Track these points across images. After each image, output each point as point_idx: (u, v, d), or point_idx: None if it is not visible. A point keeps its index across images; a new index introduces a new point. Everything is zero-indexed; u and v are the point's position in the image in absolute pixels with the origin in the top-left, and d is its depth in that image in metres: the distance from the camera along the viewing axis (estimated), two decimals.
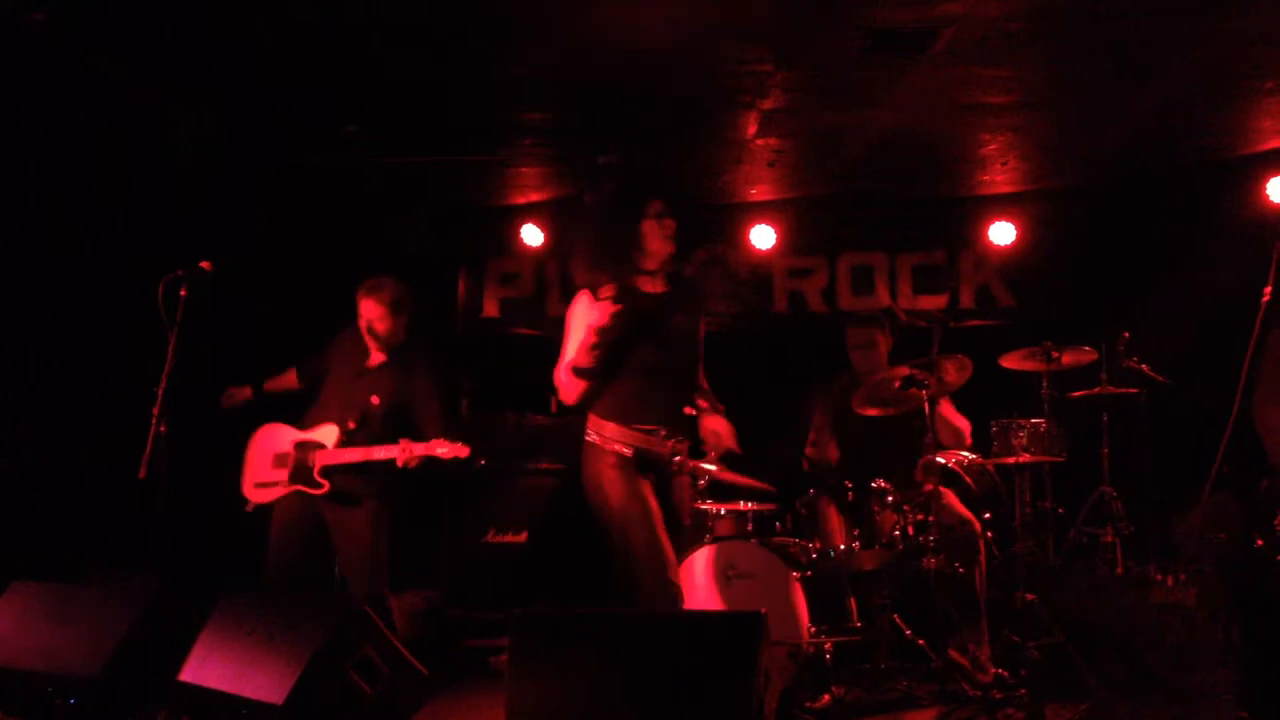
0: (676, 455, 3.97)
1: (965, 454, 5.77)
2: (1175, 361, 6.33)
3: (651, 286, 4.00)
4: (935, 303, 7.58)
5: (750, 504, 5.36)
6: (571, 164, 6.59)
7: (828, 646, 4.74)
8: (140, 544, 4.42)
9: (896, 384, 5.01)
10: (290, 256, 6.64)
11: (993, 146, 6.43)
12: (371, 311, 4.92)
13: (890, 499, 4.95)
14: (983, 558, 5.01)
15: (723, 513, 5.34)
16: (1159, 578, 5.62)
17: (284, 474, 4.86)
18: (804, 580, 4.93)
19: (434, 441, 4.73)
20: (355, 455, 4.78)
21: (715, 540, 5.11)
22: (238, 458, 4.99)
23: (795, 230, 7.49)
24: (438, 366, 5.07)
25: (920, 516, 4.85)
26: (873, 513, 4.93)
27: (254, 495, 4.92)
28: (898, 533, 4.88)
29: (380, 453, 4.75)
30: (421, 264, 7.47)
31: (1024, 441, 5.67)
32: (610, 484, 3.85)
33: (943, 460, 5.38)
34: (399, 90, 5.42)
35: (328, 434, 4.86)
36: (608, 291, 3.76)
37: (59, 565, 4.98)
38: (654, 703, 3.18)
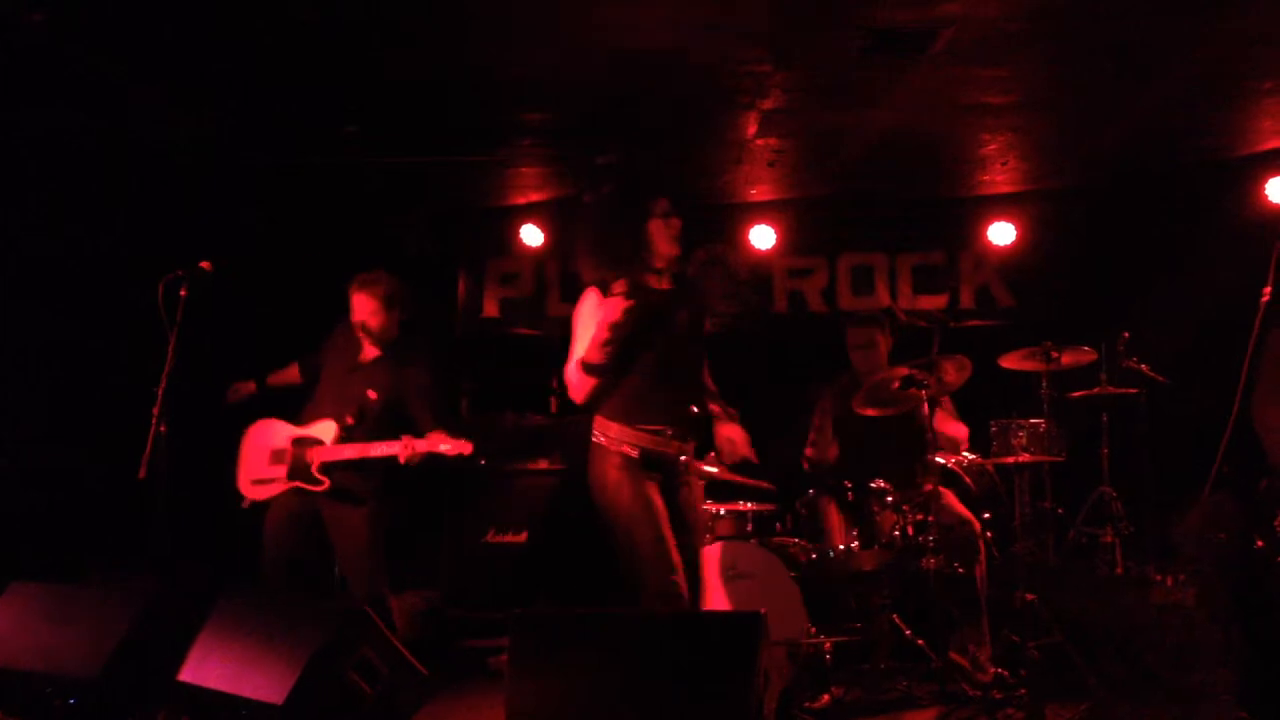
0: (683, 456, 3.95)
1: (965, 454, 5.78)
2: (1175, 362, 6.33)
3: (658, 285, 3.98)
4: (935, 303, 7.58)
5: (750, 504, 5.37)
6: (571, 164, 6.59)
7: (827, 646, 4.74)
8: (140, 544, 4.41)
9: (896, 384, 5.01)
10: (290, 256, 6.64)
11: (992, 147, 6.44)
12: (365, 306, 4.90)
13: (890, 499, 4.95)
14: (983, 558, 5.01)
15: (723, 513, 5.34)
16: (1158, 578, 5.63)
17: (282, 471, 4.83)
18: (804, 580, 4.93)
19: (437, 438, 4.70)
20: (355, 451, 4.76)
21: (715, 540, 5.12)
22: (235, 456, 4.97)
23: (795, 230, 7.49)
24: (432, 361, 5.03)
25: (920, 516, 4.85)
26: (872, 513, 4.93)
27: (251, 492, 4.88)
28: (897, 533, 4.88)
29: (382, 449, 4.72)
30: (421, 264, 7.47)
31: (1023, 441, 5.67)
32: (616, 485, 3.83)
33: (942, 460, 5.38)
34: (399, 90, 5.42)
35: (325, 430, 4.83)
36: (621, 287, 3.73)
37: (59, 565, 4.98)
38: (654, 703, 3.18)
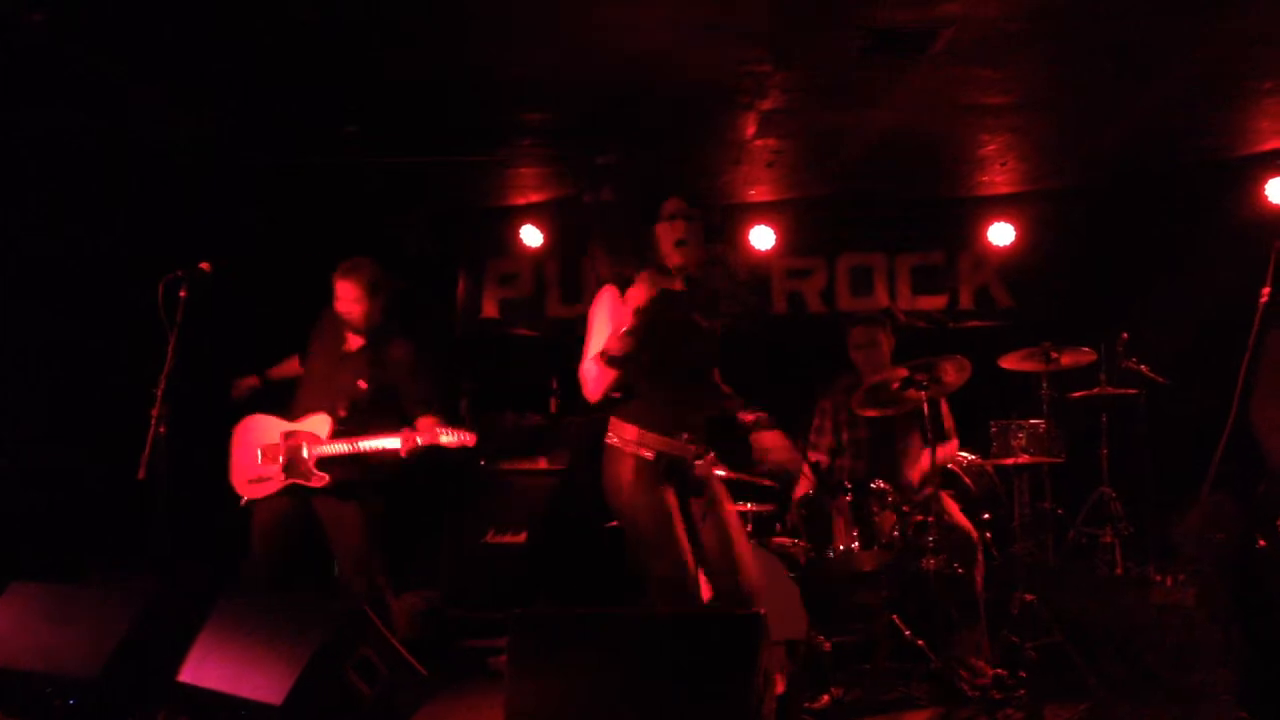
0: (699, 458, 3.91)
1: (964, 454, 5.78)
2: (1175, 362, 6.34)
3: (671, 284, 3.92)
4: (934, 303, 7.59)
5: (750, 504, 5.36)
6: (571, 164, 6.60)
7: (827, 647, 4.74)
8: (140, 544, 4.41)
9: (896, 385, 5.01)
10: (290, 256, 6.64)
11: (992, 147, 6.44)
12: (349, 294, 4.79)
13: (890, 499, 4.95)
14: (980, 563, 5.01)
15: None
16: (1158, 578, 5.63)
17: (277, 468, 4.72)
18: (804, 580, 4.93)
19: (438, 430, 4.64)
20: (353, 445, 4.66)
21: None
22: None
23: (794, 231, 7.50)
24: (417, 345, 4.92)
25: (920, 517, 4.85)
26: (872, 513, 4.93)
27: (248, 491, 4.78)
28: (897, 533, 4.88)
29: (382, 442, 4.65)
30: (421, 264, 7.48)
31: (1023, 442, 5.68)
32: (631, 489, 3.79)
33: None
34: (399, 90, 5.42)
35: (319, 424, 4.73)
36: (645, 278, 3.71)
37: (59, 565, 4.98)
38: (653, 703, 3.18)
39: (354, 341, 4.89)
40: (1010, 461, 5.67)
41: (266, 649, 3.64)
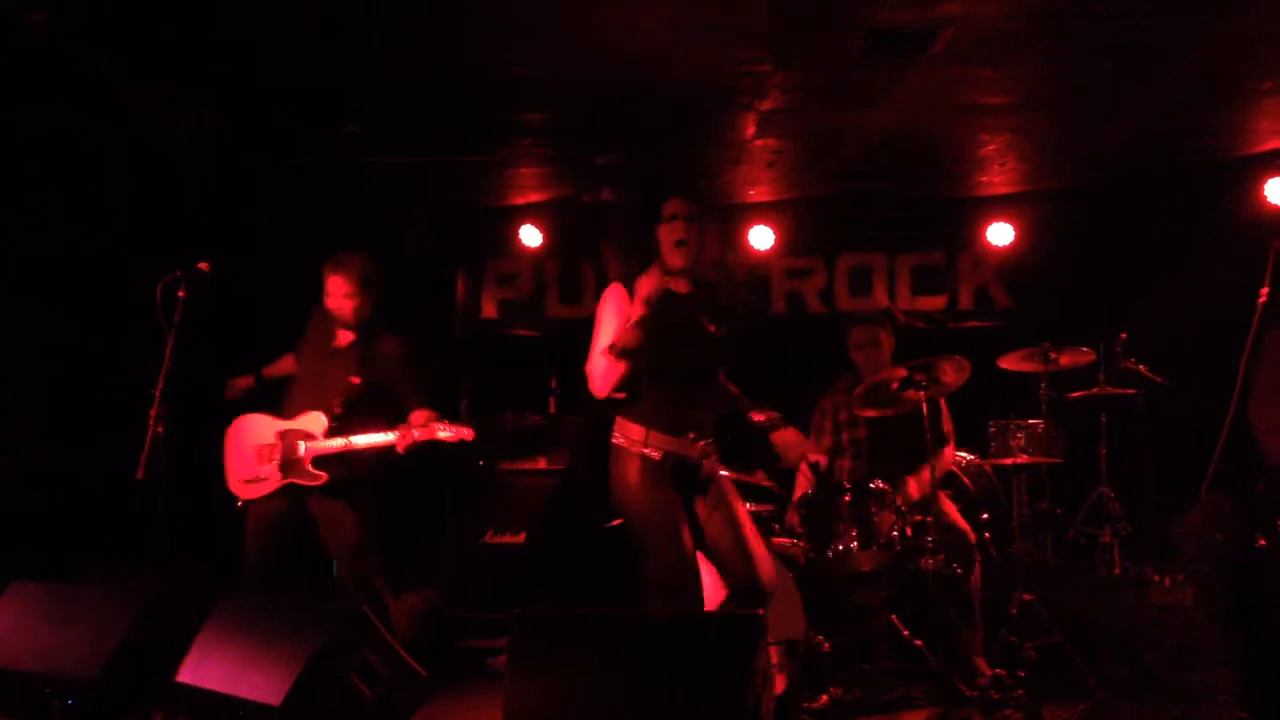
0: (707, 457, 3.91)
1: (963, 454, 5.78)
2: (1174, 362, 6.34)
3: (676, 287, 3.92)
4: (934, 304, 7.59)
5: (749, 504, 5.36)
6: (571, 164, 6.60)
7: (826, 647, 4.74)
8: (140, 544, 4.41)
9: (895, 385, 5.01)
10: (290, 256, 6.64)
11: (992, 147, 6.44)
12: (340, 288, 4.74)
13: (889, 500, 4.95)
14: (977, 565, 5.02)
15: None
16: (1157, 578, 5.63)
17: (273, 467, 4.67)
18: (803, 580, 4.93)
19: (435, 425, 4.60)
20: (349, 443, 4.61)
21: None
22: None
23: (793, 231, 7.50)
24: (408, 340, 4.87)
25: (919, 517, 4.86)
26: (871, 513, 4.93)
27: (244, 492, 4.72)
28: (896, 533, 4.88)
29: (378, 439, 4.60)
30: (421, 264, 7.48)
31: (1022, 442, 5.68)
32: (637, 490, 3.80)
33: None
34: (399, 90, 5.43)
35: (314, 422, 4.68)
36: (652, 273, 3.71)
37: (59, 565, 4.98)
38: (652, 703, 3.18)
39: (344, 337, 4.84)
40: (1009, 461, 5.67)
41: (265, 649, 3.65)
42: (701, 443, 3.88)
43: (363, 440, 4.62)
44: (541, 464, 6.59)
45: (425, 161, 6.38)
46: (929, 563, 4.74)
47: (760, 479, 5.50)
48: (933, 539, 4.76)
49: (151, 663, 3.87)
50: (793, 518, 5.26)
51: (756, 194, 7.29)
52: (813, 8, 4.62)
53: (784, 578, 4.94)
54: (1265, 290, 3.57)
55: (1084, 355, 5.73)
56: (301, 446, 4.66)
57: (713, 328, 3.95)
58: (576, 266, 7.67)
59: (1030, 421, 5.78)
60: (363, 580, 4.67)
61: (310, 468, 4.64)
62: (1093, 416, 6.33)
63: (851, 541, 4.94)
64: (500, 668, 3.37)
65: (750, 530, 3.94)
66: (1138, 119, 5.95)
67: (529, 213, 7.42)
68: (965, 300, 7.61)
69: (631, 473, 3.81)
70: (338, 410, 4.67)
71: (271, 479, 4.68)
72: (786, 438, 4.11)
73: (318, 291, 4.88)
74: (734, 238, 7.33)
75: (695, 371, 3.92)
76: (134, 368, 4.58)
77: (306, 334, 4.98)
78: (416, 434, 4.60)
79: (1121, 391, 6.23)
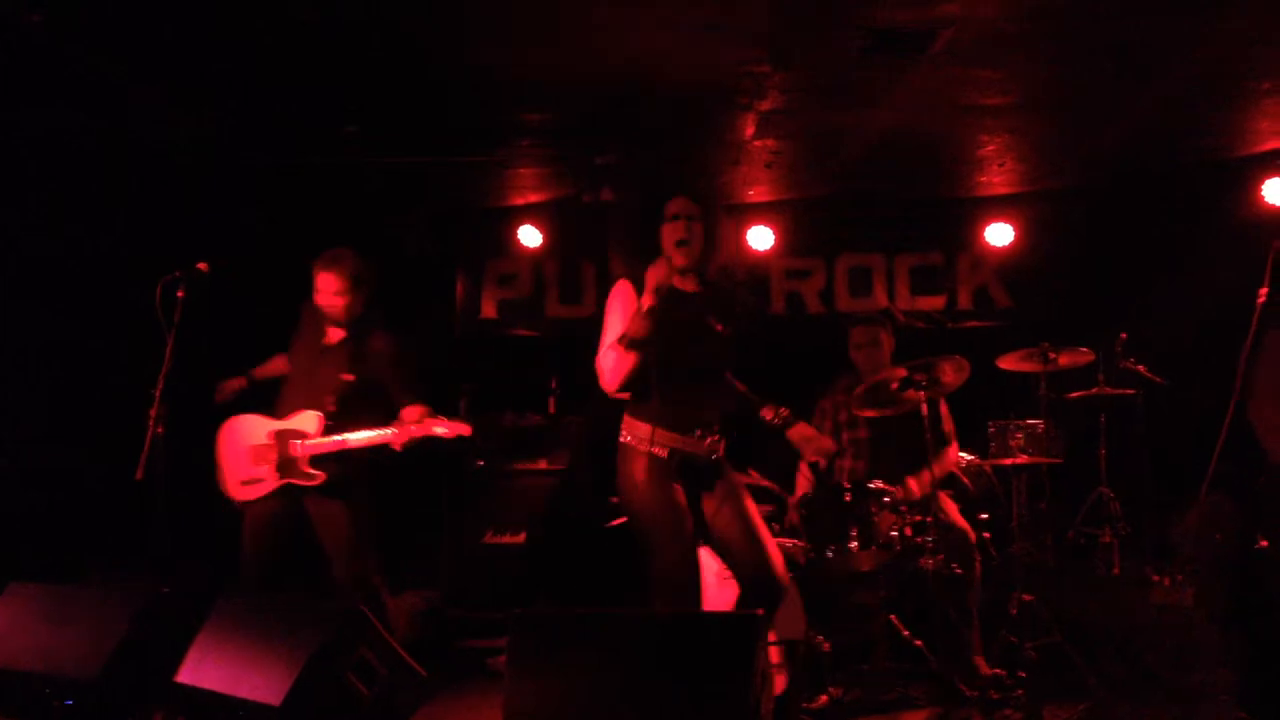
0: (714, 454, 3.92)
1: (962, 455, 5.78)
2: (1174, 362, 6.34)
3: (683, 285, 3.92)
4: (933, 304, 7.59)
5: None
6: (570, 164, 6.60)
7: (826, 647, 4.74)
8: (140, 544, 4.41)
9: (895, 385, 5.01)
10: (290, 256, 6.64)
11: (991, 147, 6.44)
12: (330, 286, 4.70)
13: (888, 500, 4.96)
14: (977, 564, 5.02)
15: None
16: (1156, 578, 5.63)
17: (268, 468, 4.63)
18: (802, 580, 4.93)
19: (431, 421, 4.57)
20: (346, 442, 4.57)
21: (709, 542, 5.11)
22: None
23: (793, 231, 7.50)
24: (396, 332, 4.83)
25: (918, 517, 4.86)
26: (870, 513, 4.93)
27: (240, 494, 4.68)
28: (895, 533, 4.88)
29: (374, 436, 4.56)
30: (420, 264, 7.49)
31: (1021, 442, 5.68)
32: (643, 489, 3.80)
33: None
34: (399, 90, 5.43)
35: (308, 420, 4.63)
36: (659, 264, 3.70)
37: (59, 565, 4.98)
38: (652, 703, 3.18)
39: (334, 334, 4.81)
40: (1009, 462, 5.67)
41: (265, 650, 3.64)
42: (709, 440, 3.89)
43: (358, 437, 4.59)
44: (541, 464, 6.59)
45: (425, 162, 6.38)
46: (929, 563, 4.74)
47: (755, 478, 5.50)
48: (932, 539, 4.76)
49: (151, 663, 3.87)
50: (793, 517, 5.26)
51: (756, 194, 7.29)
52: (812, 8, 4.62)
53: None
54: (1264, 290, 3.57)
55: (1083, 355, 5.73)
56: (297, 446, 4.62)
57: (719, 326, 3.95)
58: (576, 267, 7.67)
59: (1030, 422, 5.78)
60: (360, 579, 4.64)
61: (307, 467, 4.61)
62: (1092, 417, 6.33)
63: (851, 541, 4.94)
64: (500, 668, 3.38)
65: (761, 524, 3.95)
66: (1137, 119, 5.96)
67: (528, 213, 7.43)
68: (964, 300, 7.62)
69: (639, 471, 3.82)
70: (331, 408, 4.64)
71: (268, 480, 4.65)
72: (803, 431, 4.12)
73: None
74: (733, 238, 7.33)
75: (702, 369, 3.93)
76: (134, 368, 4.58)
77: (297, 333, 4.94)
78: (413, 430, 4.56)
79: (1121, 392, 6.23)
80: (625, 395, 3.89)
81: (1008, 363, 5.83)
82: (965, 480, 5.72)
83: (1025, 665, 4.67)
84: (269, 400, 4.87)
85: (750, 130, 5.98)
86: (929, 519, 4.80)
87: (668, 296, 3.68)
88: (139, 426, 4.19)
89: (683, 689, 3.15)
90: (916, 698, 4.72)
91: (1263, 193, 6.53)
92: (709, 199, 3.98)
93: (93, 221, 5.85)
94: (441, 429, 4.58)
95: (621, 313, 3.81)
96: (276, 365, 5.05)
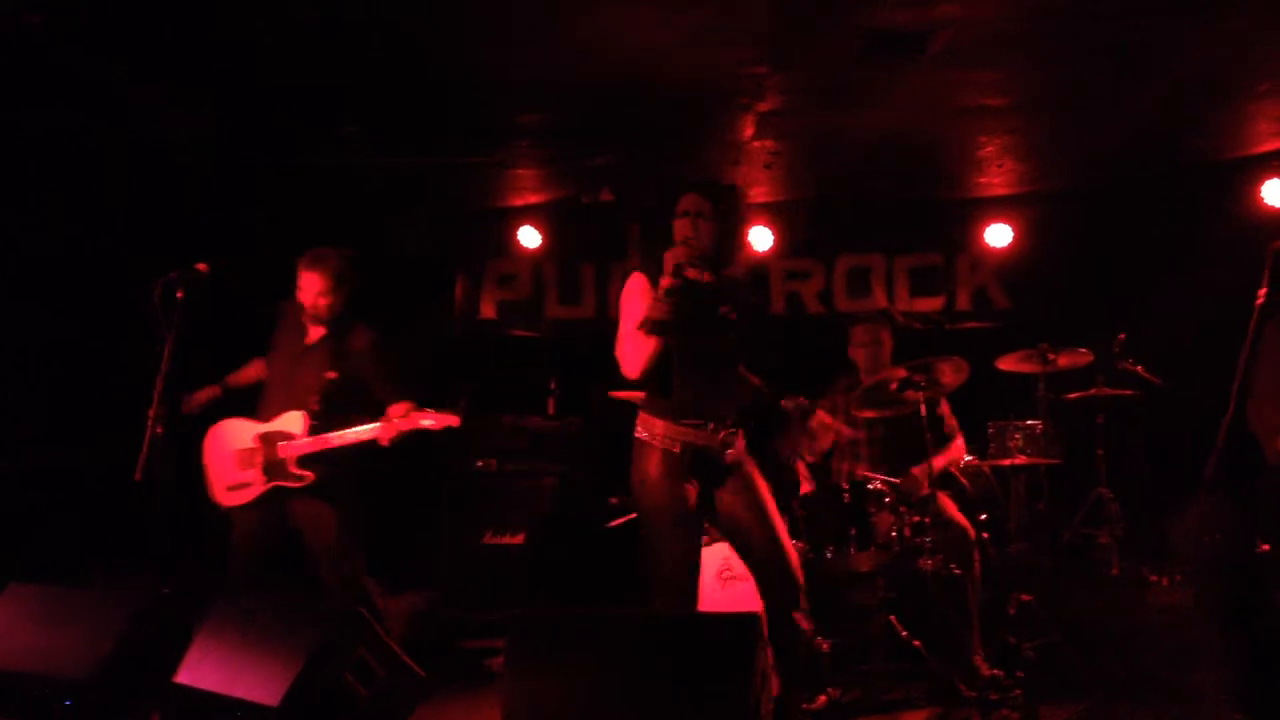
0: (728, 447, 3.92)
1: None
2: (1173, 362, 6.34)
3: (697, 276, 3.86)
4: (932, 305, 7.60)
5: None
6: (570, 165, 6.60)
7: (825, 647, 4.74)
8: (140, 544, 4.40)
9: (894, 386, 5.02)
10: (290, 256, 6.64)
11: (990, 148, 6.45)
12: (314, 285, 4.67)
13: (887, 500, 4.96)
14: (976, 563, 5.02)
15: None
16: (1155, 579, 5.63)
17: (255, 472, 4.60)
18: None
19: (416, 413, 4.53)
20: (332, 440, 4.53)
21: (712, 542, 5.11)
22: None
23: (792, 232, 7.51)
24: (377, 329, 4.79)
25: (917, 518, 4.86)
26: (869, 514, 4.93)
27: (228, 499, 4.65)
28: (894, 534, 4.89)
29: (361, 433, 4.53)
30: (420, 265, 7.48)
31: (1020, 443, 5.68)
32: (654, 484, 3.81)
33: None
34: (399, 91, 5.43)
35: (293, 421, 4.59)
36: (675, 253, 3.71)
37: (58, 565, 4.97)
38: (652, 703, 3.18)
39: (315, 333, 4.78)
40: (1007, 462, 5.67)
41: (263, 650, 3.64)
42: (723, 433, 3.89)
43: (345, 435, 4.56)
44: (541, 464, 6.59)
45: (425, 162, 6.39)
46: (927, 563, 4.74)
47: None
48: (931, 540, 4.76)
49: (149, 663, 3.87)
50: (791, 517, 5.26)
51: (755, 195, 7.29)
52: (812, 8, 4.62)
53: None
54: (1263, 291, 3.57)
55: (1082, 356, 5.73)
56: (284, 448, 4.58)
57: (734, 317, 3.96)
58: (575, 268, 7.68)
59: (1028, 422, 5.78)
60: (349, 581, 4.61)
61: (295, 468, 4.57)
62: (1091, 417, 6.33)
63: (849, 542, 4.95)
64: (498, 668, 3.38)
65: (778, 520, 3.95)
66: (1137, 119, 5.96)
67: (528, 214, 7.43)
68: (963, 301, 7.62)
69: (652, 467, 3.83)
70: (315, 407, 4.60)
71: (256, 484, 4.61)
72: (823, 419, 4.13)
73: None
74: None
75: (717, 360, 3.93)
76: (134, 368, 4.57)
77: (276, 334, 4.89)
78: (400, 424, 4.52)
79: (1120, 392, 6.23)
80: (644, 386, 3.88)
81: (1007, 363, 5.83)
82: (964, 481, 5.72)
83: (1024, 665, 4.67)
84: (249, 406, 4.81)
85: (749, 130, 5.99)
86: (927, 519, 4.80)
87: (683, 286, 3.69)
88: (139, 426, 4.18)
89: (682, 689, 3.15)
90: (915, 698, 4.71)
91: (1262, 193, 6.54)
92: (729, 195, 3.98)
93: (92, 221, 5.85)
94: (429, 421, 4.55)
95: (638, 300, 3.81)
96: (252, 371, 4.96)
